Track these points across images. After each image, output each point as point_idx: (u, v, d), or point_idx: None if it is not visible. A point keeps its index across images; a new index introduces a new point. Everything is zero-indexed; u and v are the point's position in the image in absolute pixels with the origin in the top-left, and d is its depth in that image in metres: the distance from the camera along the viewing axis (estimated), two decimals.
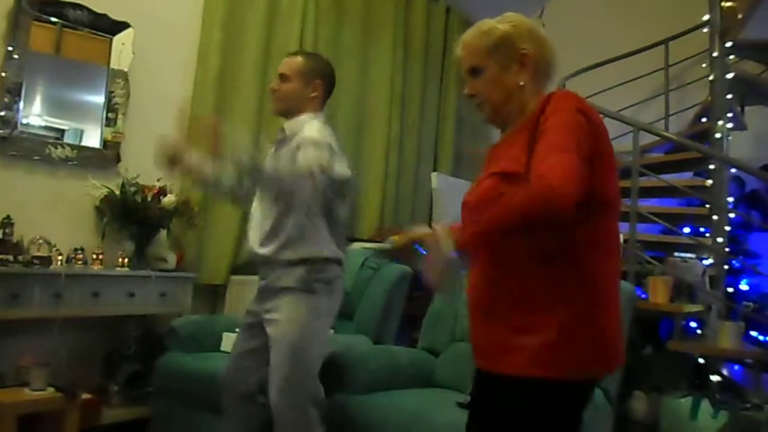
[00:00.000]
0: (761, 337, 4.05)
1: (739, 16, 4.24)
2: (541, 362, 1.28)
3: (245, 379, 2.23)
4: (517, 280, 1.33)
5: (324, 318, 2.17)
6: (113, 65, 3.44)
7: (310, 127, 2.14)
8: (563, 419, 1.33)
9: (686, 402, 2.94)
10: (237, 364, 2.26)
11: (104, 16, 3.36)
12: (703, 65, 4.61)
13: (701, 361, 3.51)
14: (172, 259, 3.36)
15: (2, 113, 3.03)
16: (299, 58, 2.26)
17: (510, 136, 1.43)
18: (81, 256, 3.11)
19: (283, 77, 2.24)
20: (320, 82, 2.26)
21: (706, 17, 4.46)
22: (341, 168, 2.09)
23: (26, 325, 2.91)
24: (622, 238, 3.66)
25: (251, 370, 2.22)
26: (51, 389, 2.71)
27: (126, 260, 3.21)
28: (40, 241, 2.96)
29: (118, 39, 3.44)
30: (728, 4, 4.30)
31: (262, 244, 2.15)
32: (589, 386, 1.38)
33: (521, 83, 1.42)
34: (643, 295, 3.55)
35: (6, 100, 3.04)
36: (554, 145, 1.26)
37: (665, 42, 4.91)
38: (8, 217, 2.92)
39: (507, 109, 1.45)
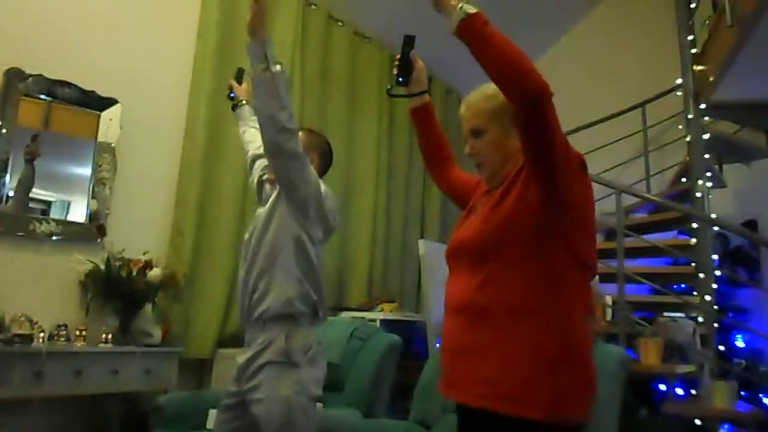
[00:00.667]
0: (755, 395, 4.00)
1: (711, 78, 4.38)
2: (548, 406, 1.30)
3: None
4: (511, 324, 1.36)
5: (309, 389, 2.11)
6: (101, 139, 3.48)
7: None
8: None
9: None
10: None
11: (92, 92, 3.43)
12: (680, 126, 4.73)
13: (698, 422, 3.45)
14: (157, 334, 3.30)
15: None
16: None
17: (499, 191, 1.48)
18: (64, 332, 3.05)
19: None
20: (316, 156, 2.29)
21: (679, 81, 4.61)
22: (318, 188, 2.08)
23: (5, 405, 2.82)
24: (610, 299, 3.66)
25: None
26: None
27: (110, 336, 3.15)
28: (22, 318, 2.91)
29: (106, 114, 3.49)
30: (700, 67, 4.45)
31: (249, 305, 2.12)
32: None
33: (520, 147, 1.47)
34: (635, 357, 3.51)
35: None
36: None
37: (642, 105, 5.06)
38: None
39: (505, 170, 1.50)
